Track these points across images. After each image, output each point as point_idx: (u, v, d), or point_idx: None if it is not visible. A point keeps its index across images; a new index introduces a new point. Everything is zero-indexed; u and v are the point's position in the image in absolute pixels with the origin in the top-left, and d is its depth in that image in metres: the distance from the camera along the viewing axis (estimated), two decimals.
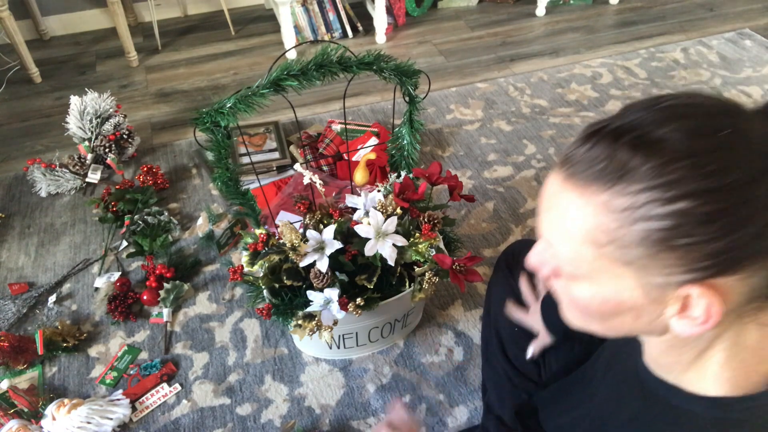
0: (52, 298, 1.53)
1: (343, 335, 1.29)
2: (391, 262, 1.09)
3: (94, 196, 1.86)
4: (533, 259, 0.56)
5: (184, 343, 1.44)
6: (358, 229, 1.11)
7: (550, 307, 0.93)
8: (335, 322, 1.10)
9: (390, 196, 1.17)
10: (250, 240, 1.18)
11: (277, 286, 1.15)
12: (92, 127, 1.90)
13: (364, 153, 1.82)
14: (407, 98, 1.31)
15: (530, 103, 2.22)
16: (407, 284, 1.19)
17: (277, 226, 1.14)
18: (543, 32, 2.70)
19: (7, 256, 1.68)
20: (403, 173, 1.32)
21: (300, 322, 1.11)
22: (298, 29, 2.58)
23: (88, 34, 2.76)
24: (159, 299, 1.50)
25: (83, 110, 1.89)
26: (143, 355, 1.41)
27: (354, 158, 1.87)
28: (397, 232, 1.13)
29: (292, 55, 2.52)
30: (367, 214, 1.16)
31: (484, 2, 2.96)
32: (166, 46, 2.65)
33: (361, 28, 2.71)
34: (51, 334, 1.41)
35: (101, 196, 1.80)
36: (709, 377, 0.51)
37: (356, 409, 1.30)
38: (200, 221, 1.74)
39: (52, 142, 2.09)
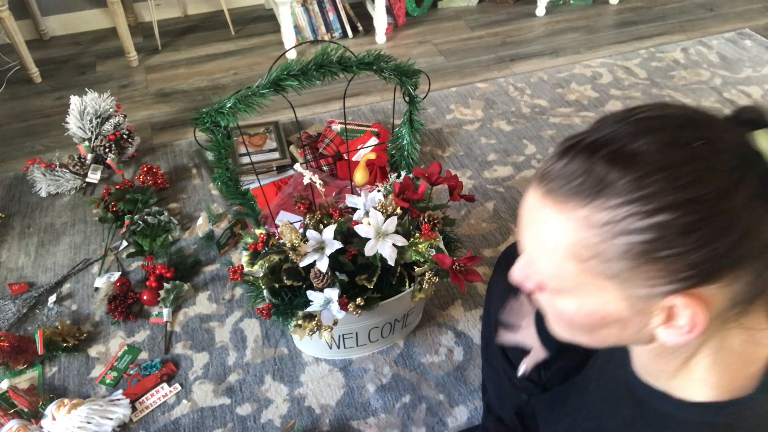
0: (52, 298, 1.53)
1: (343, 335, 1.29)
2: (391, 262, 1.09)
3: (94, 196, 1.86)
4: (517, 274, 0.56)
5: (184, 343, 1.44)
6: (358, 229, 1.11)
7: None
8: (335, 322, 1.10)
9: (390, 196, 1.17)
10: (250, 240, 1.18)
11: (277, 286, 1.15)
12: (92, 127, 1.90)
13: (364, 153, 1.82)
14: (407, 98, 1.31)
15: (530, 103, 2.22)
16: (407, 284, 1.19)
17: (277, 226, 1.14)
18: (543, 32, 2.70)
19: (7, 256, 1.68)
20: (403, 173, 1.32)
21: (300, 322, 1.11)
22: (298, 29, 2.58)
23: (88, 34, 2.76)
24: (159, 299, 1.50)
25: (83, 110, 1.89)
26: (143, 355, 1.41)
27: (354, 158, 1.87)
28: (397, 232, 1.13)
29: (292, 55, 2.52)
30: (367, 214, 1.16)
31: (484, 2, 2.96)
32: (166, 46, 2.65)
33: (361, 28, 2.71)
34: (51, 334, 1.41)
35: (101, 196, 1.80)
36: (696, 383, 0.51)
37: (356, 409, 1.30)
38: (200, 221, 1.74)
39: (52, 142, 2.09)
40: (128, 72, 2.49)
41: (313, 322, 1.10)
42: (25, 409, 1.28)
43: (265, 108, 1.19)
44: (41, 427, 1.24)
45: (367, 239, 1.10)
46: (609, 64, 2.43)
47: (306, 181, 1.17)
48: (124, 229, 1.69)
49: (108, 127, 1.91)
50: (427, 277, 1.13)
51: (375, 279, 1.11)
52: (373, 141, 1.91)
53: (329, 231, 1.10)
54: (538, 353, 0.96)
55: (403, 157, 1.42)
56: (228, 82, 2.41)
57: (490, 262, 1.61)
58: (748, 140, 0.45)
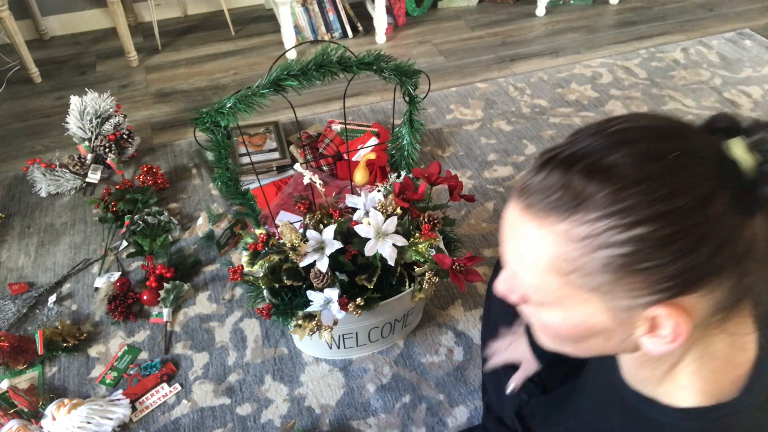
0: (52, 298, 1.53)
1: (343, 335, 1.29)
2: (391, 262, 1.09)
3: (94, 196, 1.86)
4: (501, 286, 0.56)
5: (184, 343, 1.44)
6: (358, 229, 1.11)
7: None
8: (335, 322, 1.10)
9: (390, 196, 1.17)
10: (250, 240, 1.18)
11: (277, 286, 1.15)
12: (92, 127, 1.90)
13: (364, 153, 1.82)
14: (407, 98, 1.31)
15: (530, 103, 2.22)
16: (407, 284, 1.19)
17: (277, 226, 1.14)
18: (543, 32, 2.70)
19: (7, 256, 1.68)
20: (403, 173, 1.32)
21: (300, 322, 1.11)
22: (298, 29, 2.58)
23: (88, 34, 2.76)
24: (159, 299, 1.50)
25: (83, 110, 1.89)
26: (143, 355, 1.41)
27: (354, 158, 1.87)
28: (397, 232, 1.13)
29: (292, 55, 2.52)
30: (367, 214, 1.16)
31: (484, 2, 2.96)
32: (166, 46, 2.65)
33: (361, 28, 2.71)
34: (51, 334, 1.41)
35: (101, 196, 1.80)
36: (681, 389, 0.52)
37: (356, 409, 1.30)
38: (200, 221, 1.74)
39: (52, 142, 2.09)
40: (128, 72, 2.49)
41: (313, 322, 1.10)
42: (25, 409, 1.28)
43: (265, 108, 1.19)
44: (41, 427, 1.24)
45: (367, 239, 1.10)
46: (609, 64, 2.43)
47: (306, 181, 1.17)
48: (124, 229, 1.69)
49: (108, 127, 1.91)
50: (427, 277, 1.13)
51: (375, 279, 1.11)
52: (373, 141, 1.91)
53: (329, 231, 1.10)
54: (529, 367, 0.96)
55: (403, 157, 1.42)
56: (228, 82, 2.41)
57: (490, 262, 1.61)
58: (723, 149, 0.45)
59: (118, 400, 1.30)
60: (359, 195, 1.19)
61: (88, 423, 1.23)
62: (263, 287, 1.17)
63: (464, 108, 2.21)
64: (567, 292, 0.48)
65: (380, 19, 2.55)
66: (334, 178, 1.83)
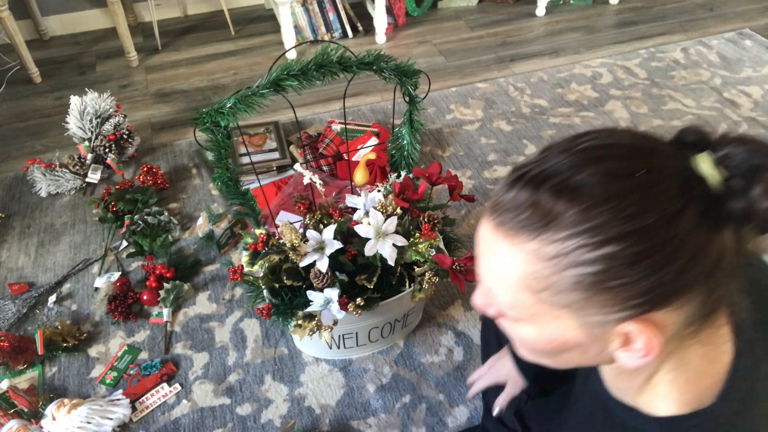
0: (52, 298, 1.53)
1: (343, 335, 1.29)
2: (391, 262, 1.09)
3: (94, 196, 1.86)
4: (477, 300, 0.57)
5: (184, 343, 1.44)
6: (358, 229, 1.11)
7: None
8: (335, 322, 1.10)
9: (390, 196, 1.17)
10: (250, 240, 1.18)
11: (277, 286, 1.15)
12: (92, 127, 1.90)
13: (364, 153, 1.82)
14: (407, 98, 1.31)
15: (530, 103, 2.22)
16: (407, 284, 1.19)
17: (277, 226, 1.14)
18: (543, 32, 2.70)
19: (7, 256, 1.68)
20: (403, 173, 1.32)
21: (300, 322, 1.11)
22: (298, 29, 2.58)
23: (88, 34, 2.76)
24: (159, 299, 1.50)
25: (83, 110, 1.89)
26: (143, 355, 1.41)
27: (354, 158, 1.87)
28: (397, 232, 1.13)
29: (292, 55, 2.52)
30: (367, 214, 1.16)
31: (484, 2, 2.96)
32: (166, 46, 2.65)
33: (361, 28, 2.71)
34: (51, 334, 1.41)
35: (101, 196, 1.80)
36: (659, 398, 0.52)
37: (356, 409, 1.30)
38: (200, 221, 1.74)
39: (52, 142, 2.09)
40: (128, 72, 2.49)
41: (313, 322, 1.10)
42: (25, 409, 1.28)
43: (265, 108, 1.19)
44: (41, 427, 1.24)
45: (367, 239, 1.10)
46: (609, 64, 2.43)
47: (306, 181, 1.17)
48: (124, 229, 1.69)
49: (108, 127, 1.91)
50: (427, 277, 1.13)
51: (375, 279, 1.11)
52: (373, 141, 1.91)
53: (329, 231, 1.10)
54: (515, 386, 0.96)
55: (403, 157, 1.42)
56: (228, 82, 2.41)
57: None
58: (690, 164, 0.46)
59: (118, 400, 1.30)
60: (359, 195, 1.19)
61: (88, 423, 1.23)
62: (263, 287, 1.17)
63: (464, 108, 2.21)
64: (540, 309, 0.48)
65: (380, 19, 2.55)
66: (334, 178, 1.83)
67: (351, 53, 1.13)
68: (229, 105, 1.10)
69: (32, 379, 1.37)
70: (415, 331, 1.44)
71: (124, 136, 1.93)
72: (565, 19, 2.80)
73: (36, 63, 2.39)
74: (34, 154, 2.04)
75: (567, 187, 0.45)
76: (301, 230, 1.17)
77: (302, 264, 1.09)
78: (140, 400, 1.31)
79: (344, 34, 2.67)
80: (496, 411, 0.98)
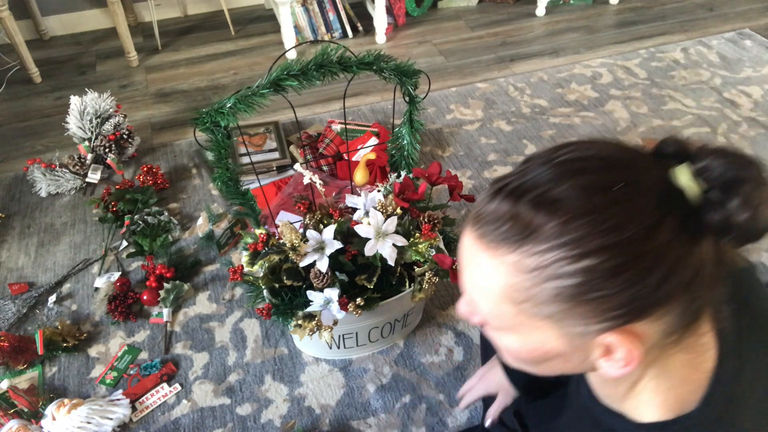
0: (52, 298, 1.53)
1: (343, 335, 1.29)
2: (391, 262, 1.09)
3: (94, 196, 1.86)
4: (462, 309, 0.58)
5: (184, 343, 1.44)
6: (358, 229, 1.11)
7: None
8: (335, 322, 1.10)
9: (390, 196, 1.17)
10: (250, 240, 1.18)
11: (277, 286, 1.15)
12: (92, 127, 1.90)
13: (364, 153, 1.82)
14: (407, 98, 1.31)
15: (530, 103, 2.22)
16: (407, 284, 1.19)
17: (277, 226, 1.14)
18: (543, 32, 2.70)
19: (7, 256, 1.68)
20: (403, 173, 1.32)
21: (300, 322, 1.11)
22: (298, 29, 2.58)
23: (88, 34, 2.76)
24: (159, 299, 1.50)
25: (83, 110, 1.89)
26: (143, 355, 1.41)
27: (354, 158, 1.87)
28: (397, 232, 1.13)
29: (292, 55, 2.52)
30: (367, 214, 1.16)
31: (484, 2, 2.96)
32: (166, 46, 2.65)
33: (361, 28, 2.71)
34: (51, 334, 1.41)
35: (101, 196, 1.80)
36: (643, 404, 0.53)
37: (356, 409, 1.30)
38: (200, 221, 1.74)
39: (52, 142, 2.09)
40: (128, 72, 2.49)
41: (313, 322, 1.10)
42: (25, 409, 1.28)
43: (265, 108, 1.19)
44: (41, 427, 1.24)
45: (367, 239, 1.10)
46: (609, 64, 2.43)
47: (306, 181, 1.17)
48: (124, 229, 1.69)
49: (108, 127, 1.91)
50: (427, 277, 1.13)
51: (375, 279, 1.11)
52: (373, 141, 1.91)
53: (329, 231, 1.10)
54: (506, 396, 0.97)
55: (403, 157, 1.42)
56: (228, 82, 2.41)
57: None
58: (669, 176, 0.46)
59: (118, 400, 1.30)
60: (359, 195, 1.19)
61: (88, 423, 1.23)
62: (263, 287, 1.17)
63: (464, 108, 2.21)
64: (521, 319, 0.49)
65: (380, 19, 2.55)
66: (334, 178, 1.83)
67: (351, 53, 1.14)
68: (229, 105, 1.10)
69: (32, 379, 1.37)
70: (415, 331, 1.44)
71: (124, 136, 1.93)
72: (565, 19, 2.80)
73: (36, 63, 2.39)
74: (34, 154, 2.04)
75: (546, 200, 0.45)
76: (301, 230, 1.17)
77: (302, 264, 1.09)
78: (140, 400, 1.32)
79: (344, 34, 2.67)
80: (488, 422, 0.99)
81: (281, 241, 1.11)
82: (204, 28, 2.79)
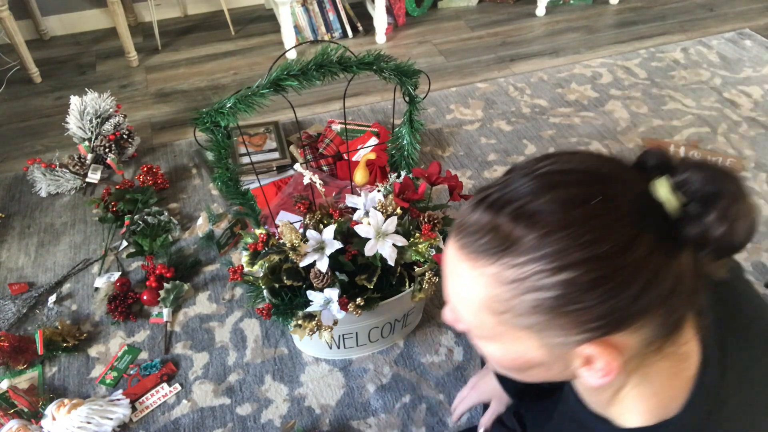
0: (52, 298, 1.53)
1: (343, 335, 1.29)
2: (391, 262, 1.09)
3: (94, 196, 1.86)
4: (447, 316, 0.58)
5: (184, 343, 1.44)
6: (358, 229, 1.11)
7: None
8: (335, 322, 1.10)
9: (390, 196, 1.17)
10: (250, 240, 1.18)
11: (277, 286, 1.15)
12: (92, 127, 1.90)
13: (364, 153, 1.82)
14: (407, 98, 1.31)
15: (530, 103, 2.22)
16: (407, 284, 1.19)
17: (277, 226, 1.14)
18: (543, 32, 2.70)
19: (7, 256, 1.68)
20: (403, 173, 1.32)
21: (300, 322, 1.11)
22: (298, 29, 2.58)
23: (88, 34, 2.76)
24: (159, 299, 1.50)
25: (83, 110, 1.89)
26: (143, 355, 1.41)
27: (354, 158, 1.87)
28: (397, 232, 1.13)
29: (292, 55, 2.52)
30: (367, 214, 1.16)
31: (484, 2, 2.96)
32: (166, 46, 2.65)
33: (361, 28, 2.71)
34: (51, 334, 1.41)
35: (101, 196, 1.80)
36: (628, 410, 0.54)
37: (356, 409, 1.30)
38: (200, 221, 1.74)
39: (52, 142, 2.10)
40: (128, 72, 2.49)
41: (313, 322, 1.10)
42: (25, 409, 1.28)
43: (265, 108, 1.19)
44: (41, 427, 1.24)
45: (367, 239, 1.10)
46: (609, 64, 2.43)
47: (306, 181, 1.17)
48: (124, 229, 1.69)
49: (108, 127, 1.91)
50: (427, 277, 1.13)
51: (375, 279, 1.11)
52: (373, 141, 1.91)
53: (329, 231, 1.10)
54: (500, 404, 0.97)
55: (403, 157, 1.42)
56: (228, 82, 2.41)
57: None
58: (649, 189, 0.46)
59: (118, 400, 1.30)
60: (359, 195, 1.19)
61: (88, 423, 1.23)
62: (263, 287, 1.17)
63: (464, 108, 2.21)
64: (502, 329, 0.49)
65: (380, 19, 2.55)
66: (334, 178, 1.83)
67: (351, 53, 1.14)
68: (229, 105, 1.10)
69: (32, 379, 1.37)
70: (415, 331, 1.44)
71: (124, 136, 1.93)
72: (565, 19, 2.80)
73: (36, 63, 2.39)
74: (34, 154, 2.04)
75: (525, 212, 0.45)
76: (301, 230, 1.17)
77: (302, 264, 1.09)
78: (140, 400, 1.32)
79: (344, 34, 2.67)
80: (481, 431, 0.99)
81: (281, 241, 1.11)
82: (204, 28, 2.79)
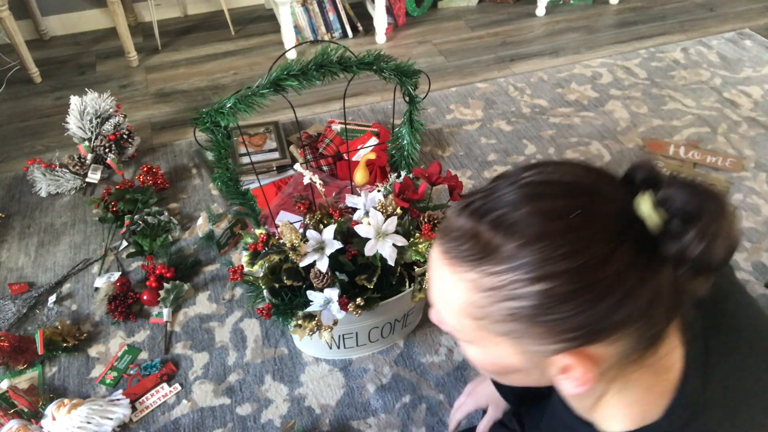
0: (52, 298, 1.53)
1: (343, 335, 1.29)
2: (391, 262, 1.09)
3: (94, 196, 1.86)
4: (433, 318, 0.59)
5: (184, 343, 1.44)
6: (358, 229, 1.11)
7: None
8: (335, 322, 1.10)
9: (390, 196, 1.17)
10: (250, 240, 1.18)
11: (277, 286, 1.15)
12: (92, 127, 1.90)
13: (364, 153, 1.82)
14: (407, 98, 1.31)
15: (530, 103, 2.22)
16: (407, 284, 1.19)
17: (277, 226, 1.14)
18: (543, 32, 2.70)
19: (7, 256, 1.68)
20: (403, 173, 1.32)
21: (300, 322, 1.11)
22: (298, 29, 2.58)
23: (88, 34, 2.76)
24: (159, 299, 1.50)
25: (83, 110, 1.89)
26: (143, 355, 1.41)
27: (354, 158, 1.87)
28: (397, 232, 1.13)
29: (292, 55, 2.52)
30: (367, 214, 1.16)
31: (484, 2, 2.96)
32: (166, 46, 2.65)
33: (361, 28, 2.71)
34: (51, 334, 1.41)
35: (101, 196, 1.80)
36: (610, 416, 0.55)
37: (356, 409, 1.30)
38: (200, 221, 1.74)
39: (52, 142, 2.10)
40: (128, 72, 2.49)
41: (313, 322, 1.10)
42: (25, 409, 1.28)
43: (265, 108, 1.19)
44: (41, 427, 1.24)
45: (367, 239, 1.10)
46: (609, 64, 2.43)
47: (306, 181, 1.17)
48: (124, 229, 1.69)
49: (108, 127, 1.91)
50: (427, 277, 1.13)
51: (375, 279, 1.11)
52: (373, 141, 1.91)
53: (329, 231, 1.10)
54: (497, 409, 0.97)
55: (403, 157, 1.42)
56: (228, 82, 2.41)
57: None
58: (632, 204, 0.46)
59: (118, 400, 1.30)
60: (359, 195, 1.19)
61: (88, 423, 1.23)
62: (263, 287, 1.17)
63: (464, 108, 2.21)
64: (481, 334, 0.50)
65: (380, 19, 2.55)
66: (334, 178, 1.83)
67: (351, 53, 1.14)
68: (229, 105, 1.10)
69: (32, 379, 1.37)
70: (415, 331, 1.44)
71: (124, 136, 1.93)
72: (565, 19, 2.80)
73: (36, 63, 2.39)
74: (34, 154, 2.04)
75: (505, 222, 0.46)
76: (301, 230, 1.17)
77: (302, 264, 1.09)
78: (140, 400, 1.32)
79: (344, 34, 2.67)
80: None
81: (281, 241, 1.11)
82: (204, 28, 2.79)
